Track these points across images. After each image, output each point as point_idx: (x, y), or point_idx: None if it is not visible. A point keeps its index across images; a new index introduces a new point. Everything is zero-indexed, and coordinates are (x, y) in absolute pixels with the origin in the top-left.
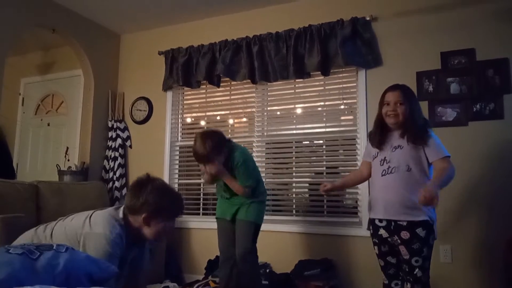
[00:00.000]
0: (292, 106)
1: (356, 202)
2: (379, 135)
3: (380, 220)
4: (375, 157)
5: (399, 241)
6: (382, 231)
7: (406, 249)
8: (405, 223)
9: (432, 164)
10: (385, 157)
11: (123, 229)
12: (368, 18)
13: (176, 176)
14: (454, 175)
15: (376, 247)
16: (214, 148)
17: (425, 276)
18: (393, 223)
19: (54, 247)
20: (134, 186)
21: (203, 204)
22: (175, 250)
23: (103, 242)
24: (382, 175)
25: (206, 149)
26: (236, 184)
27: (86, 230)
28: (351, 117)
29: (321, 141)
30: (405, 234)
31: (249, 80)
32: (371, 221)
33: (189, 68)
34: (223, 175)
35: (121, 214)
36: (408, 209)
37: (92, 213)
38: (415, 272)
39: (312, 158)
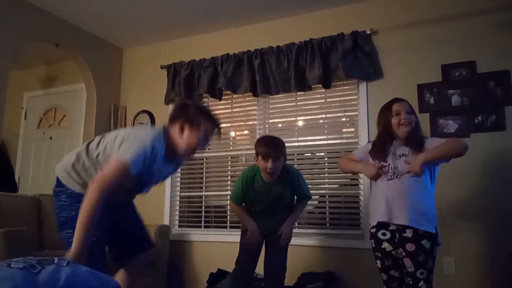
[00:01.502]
0: (294, 118)
1: (358, 214)
2: (384, 146)
3: (384, 233)
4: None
5: (403, 253)
6: (385, 245)
7: (411, 261)
8: (410, 235)
9: None
10: (389, 164)
11: (162, 139)
12: (368, 32)
13: (178, 188)
14: (461, 144)
15: (379, 261)
16: (285, 152)
17: None
18: (397, 235)
19: (55, 261)
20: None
21: (205, 216)
22: (177, 263)
23: (142, 138)
24: (388, 180)
25: (283, 145)
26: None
27: (128, 131)
28: (352, 129)
29: (323, 154)
30: (410, 246)
31: (250, 93)
32: (373, 235)
33: (191, 82)
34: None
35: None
36: (413, 214)
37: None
38: (419, 285)
39: (314, 170)
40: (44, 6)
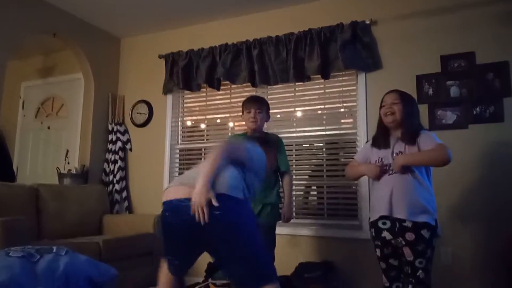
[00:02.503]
0: (293, 109)
1: (356, 204)
2: (382, 136)
3: (384, 223)
4: (378, 162)
5: (403, 242)
6: (385, 233)
7: (410, 250)
8: (410, 225)
9: None
10: (388, 161)
11: None
12: (367, 22)
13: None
14: (443, 157)
15: (378, 250)
16: (268, 108)
17: (427, 278)
18: (397, 224)
19: (54, 250)
20: None
21: None
22: None
23: None
24: (388, 174)
25: (265, 101)
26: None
27: None
28: (351, 120)
29: (321, 144)
30: (410, 236)
31: (249, 84)
32: (373, 224)
33: (189, 72)
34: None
35: None
36: (413, 208)
37: None
38: (418, 274)
39: (312, 160)
40: None
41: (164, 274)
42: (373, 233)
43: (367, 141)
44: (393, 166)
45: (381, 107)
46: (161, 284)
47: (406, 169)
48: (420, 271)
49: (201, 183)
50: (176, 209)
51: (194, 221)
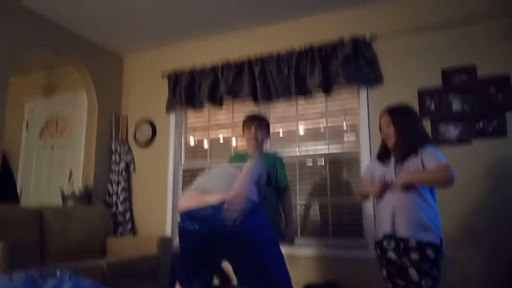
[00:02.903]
0: (295, 126)
1: (361, 223)
2: (385, 151)
3: (389, 243)
4: (381, 179)
5: (408, 263)
6: (390, 254)
7: (416, 270)
8: (414, 244)
9: None
10: (390, 179)
11: None
12: (368, 37)
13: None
14: (446, 178)
15: (384, 270)
16: (268, 125)
17: None
18: (402, 245)
19: (57, 275)
20: None
21: None
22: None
23: None
24: (392, 193)
25: (265, 120)
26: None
27: None
28: (353, 138)
29: (324, 161)
30: (414, 256)
31: (251, 101)
32: (379, 244)
33: (192, 90)
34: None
35: None
36: (416, 227)
37: None
38: None
39: (315, 179)
40: (45, 13)
41: None
42: (379, 253)
43: (371, 157)
44: (395, 183)
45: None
46: None
47: (408, 186)
48: None
49: (242, 187)
50: (198, 217)
51: (216, 227)
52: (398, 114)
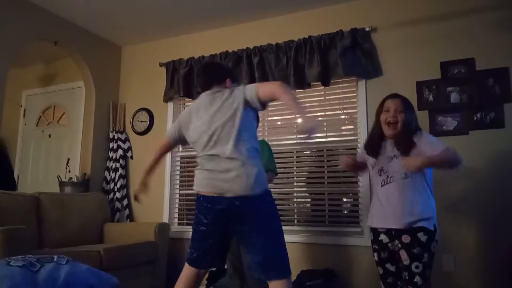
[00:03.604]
0: (293, 116)
1: (358, 211)
2: (376, 143)
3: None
4: (373, 167)
5: (399, 245)
6: (382, 237)
7: (406, 253)
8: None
9: None
10: (382, 167)
11: None
12: (367, 29)
13: (177, 186)
14: (457, 161)
15: (375, 254)
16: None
17: (426, 285)
18: (393, 230)
19: (55, 259)
20: None
21: None
22: (176, 261)
23: None
24: (381, 186)
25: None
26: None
27: None
28: (351, 126)
29: (322, 151)
30: (405, 238)
31: None
32: (373, 228)
33: (190, 79)
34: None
35: None
36: (409, 217)
37: None
38: (415, 280)
39: (313, 167)
40: (43, 4)
41: (185, 268)
42: (372, 237)
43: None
44: (407, 167)
45: (380, 111)
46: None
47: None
48: (418, 277)
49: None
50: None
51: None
52: (409, 104)
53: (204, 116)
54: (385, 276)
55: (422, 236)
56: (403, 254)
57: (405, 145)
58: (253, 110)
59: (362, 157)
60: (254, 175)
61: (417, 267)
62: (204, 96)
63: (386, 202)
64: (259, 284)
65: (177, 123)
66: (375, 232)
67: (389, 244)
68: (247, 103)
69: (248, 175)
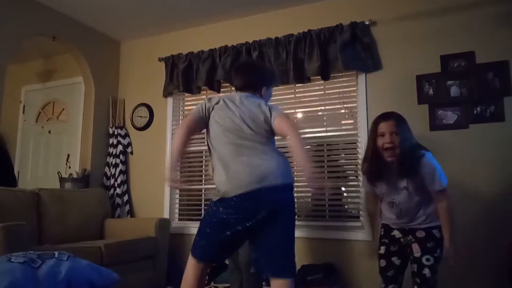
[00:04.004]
0: (293, 110)
1: (358, 205)
2: (376, 167)
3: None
4: (383, 197)
5: (413, 239)
6: (395, 232)
7: (419, 246)
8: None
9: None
10: (393, 200)
11: None
12: (367, 23)
13: None
14: (452, 212)
15: (383, 247)
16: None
17: (433, 279)
18: (407, 227)
19: (55, 255)
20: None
21: (204, 210)
22: (176, 256)
23: None
24: (397, 217)
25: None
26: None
27: None
28: (351, 121)
29: (322, 145)
30: (420, 233)
31: None
32: (385, 224)
33: (189, 74)
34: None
35: None
36: (423, 220)
37: None
38: (424, 272)
39: (313, 162)
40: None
41: (190, 264)
42: (382, 232)
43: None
44: (448, 258)
45: (375, 135)
46: (186, 269)
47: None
48: (427, 270)
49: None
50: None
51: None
52: (402, 122)
53: None
54: (387, 269)
55: (437, 233)
56: (415, 247)
57: (410, 170)
58: None
59: (370, 187)
60: None
61: (428, 259)
62: None
63: (399, 217)
64: (254, 280)
65: None
66: (387, 227)
67: (402, 239)
68: None
69: None
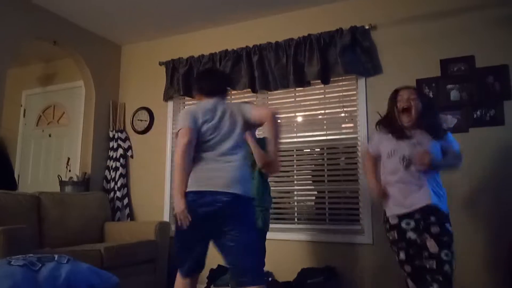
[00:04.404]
0: (293, 114)
1: (358, 209)
2: (394, 125)
3: (407, 223)
4: (390, 155)
5: (428, 236)
6: (410, 234)
7: (435, 242)
8: (434, 219)
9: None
10: (404, 155)
11: None
12: (367, 27)
13: None
14: (457, 165)
15: (402, 252)
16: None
17: (452, 275)
18: (422, 223)
19: (55, 258)
20: None
21: None
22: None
23: None
24: (405, 169)
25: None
26: (262, 151)
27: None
28: (351, 124)
29: (322, 149)
30: (435, 229)
31: (249, 89)
32: (395, 226)
33: (189, 78)
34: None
35: None
36: (433, 195)
37: None
38: (445, 269)
39: (313, 166)
40: (42, 3)
41: (179, 282)
42: (396, 236)
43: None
44: (416, 161)
45: (395, 102)
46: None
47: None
48: (447, 266)
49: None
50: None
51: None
52: (423, 94)
53: None
54: (414, 272)
55: (449, 227)
56: (430, 244)
57: (434, 128)
58: None
59: (375, 150)
60: None
61: (446, 254)
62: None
63: (412, 182)
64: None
65: None
66: (400, 230)
67: (418, 240)
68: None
69: None
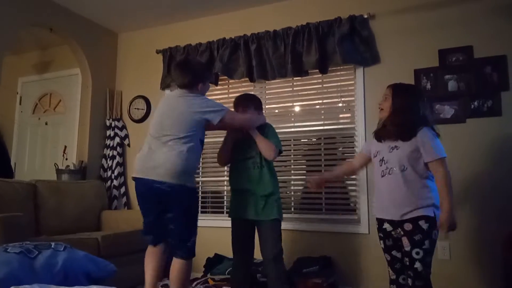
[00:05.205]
0: (290, 104)
1: (355, 199)
2: (383, 128)
3: (386, 215)
4: (375, 156)
5: (402, 233)
6: (386, 225)
7: (408, 240)
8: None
9: (428, 165)
10: (383, 157)
11: None
12: (365, 16)
13: None
14: (450, 180)
15: (381, 242)
16: (257, 99)
17: (426, 272)
18: (395, 220)
19: (52, 246)
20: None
21: (202, 202)
22: None
23: None
24: (382, 176)
25: (254, 96)
26: (267, 141)
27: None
28: (349, 114)
29: (319, 139)
30: (408, 226)
31: (247, 78)
32: (377, 218)
33: None
34: (254, 126)
35: None
36: (408, 208)
37: None
38: (415, 266)
39: (310, 155)
40: None
41: (149, 251)
42: (377, 225)
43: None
44: (441, 227)
45: None
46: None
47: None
48: (418, 263)
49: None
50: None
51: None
52: (400, 90)
53: None
54: (393, 262)
55: (423, 224)
56: (404, 241)
57: (396, 128)
58: None
59: (366, 149)
60: None
61: (417, 253)
62: None
63: (387, 193)
64: (278, 279)
65: None
66: (379, 220)
67: (393, 232)
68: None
69: None
